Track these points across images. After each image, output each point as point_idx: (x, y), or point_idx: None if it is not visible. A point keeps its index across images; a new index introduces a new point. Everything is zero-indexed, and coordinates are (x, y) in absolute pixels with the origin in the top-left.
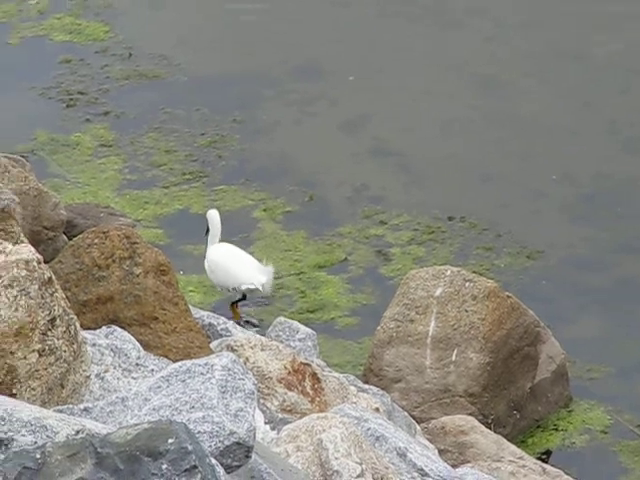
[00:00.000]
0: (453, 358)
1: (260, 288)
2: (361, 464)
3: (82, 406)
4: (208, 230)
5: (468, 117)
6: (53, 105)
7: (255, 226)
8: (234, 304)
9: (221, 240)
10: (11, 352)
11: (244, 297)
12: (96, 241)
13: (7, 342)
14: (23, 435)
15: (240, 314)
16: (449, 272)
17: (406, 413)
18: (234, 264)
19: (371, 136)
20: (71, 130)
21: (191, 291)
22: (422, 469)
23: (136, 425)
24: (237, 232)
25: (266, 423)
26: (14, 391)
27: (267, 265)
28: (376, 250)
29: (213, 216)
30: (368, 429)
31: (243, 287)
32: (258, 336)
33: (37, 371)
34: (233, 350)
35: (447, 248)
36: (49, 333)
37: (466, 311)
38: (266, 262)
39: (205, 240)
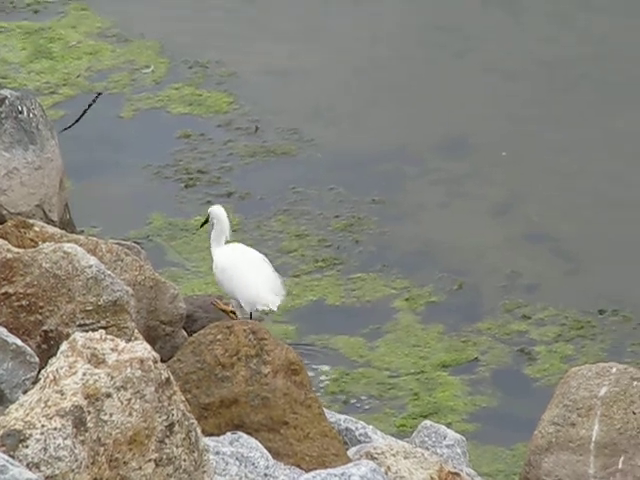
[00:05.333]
0: (620, 466)
1: (275, 310)
2: None
3: None
4: (204, 224)
5: (632, 199)
6: (170, 185)
7: (391, 317)
8: (232, 313)
9: (230, 241)
10: (124, 462)
11: (250, 316)
12: (219, 337)
13: (120, 451)
14: None
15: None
16: (615, 369)
17: None
18: (246, 278)
19: (525, 218)
20: (191, 213)
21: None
22: None
23: None
24: (369, 324)
25: None
26: None
27: (279, 278)
28: (517, 349)
29: (218, 213)
30: None
31: (257, 307)
32: (401, 443)
33: None
34: (373, 458)
35: (598, 345)
36: (167, 440)
37: (634, 413)
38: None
39: (208, 237)
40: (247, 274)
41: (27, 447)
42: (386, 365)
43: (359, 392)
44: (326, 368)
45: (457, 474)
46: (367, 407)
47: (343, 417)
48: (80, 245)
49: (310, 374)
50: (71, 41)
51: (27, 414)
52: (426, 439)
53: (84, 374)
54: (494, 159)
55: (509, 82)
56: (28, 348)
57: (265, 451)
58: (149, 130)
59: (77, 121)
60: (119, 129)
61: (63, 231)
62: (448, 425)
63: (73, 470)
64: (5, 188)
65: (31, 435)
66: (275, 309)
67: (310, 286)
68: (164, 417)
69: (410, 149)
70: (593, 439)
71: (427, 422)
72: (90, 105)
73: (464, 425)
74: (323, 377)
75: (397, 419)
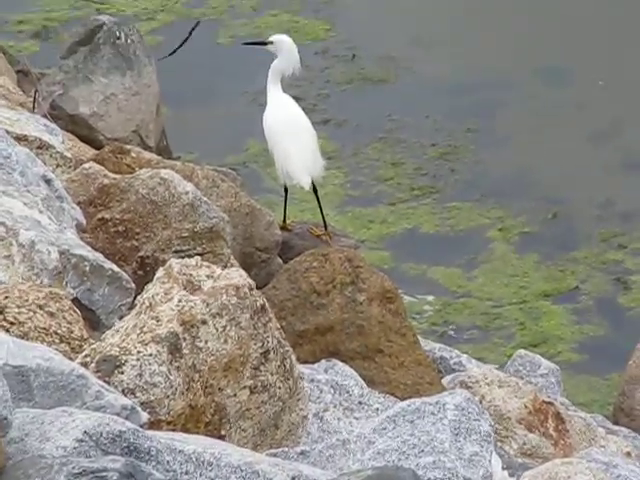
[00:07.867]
0: None
1: (306, 188)
2: None
3: (299, 449)
4: (251, 44)
5: None
6: None
7: (486, 247)
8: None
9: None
10: (219, 389)
11: (285, 191)
12: (315, 265)
13: (215, 377)
14: None
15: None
16: None
17: None
18: (286, 150)
19: (623, 147)
20: None
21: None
22: None
23: (359, 471)
24: (464, 253)
25: (504, 469)
26: (223, 432)
27: (322, 159)
28: (614, 278)
29: (287, 42)
30: (618, 476)
31: (290, 182)
32: (495, 372)
33: (248, 410)
34: (467, 387)
35: None
36: (262, 367)
37: None
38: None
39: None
40: (288, 147)
41: (122, 373)
42: (487, 295)
43: (463, 322)
44: (430, 298)
45: (551, 403)
46: (474, 337)
47: (438, 346)
48: (176, 171)
49: (413, 304)
50: None
51: (123, 340)
52: (520, 368)
53: (180, 300)
54: (592, 87)
55: (609, 7)
56: (124, 274)
57: (359, 379)
58: (246, 57)
59: (178, 48)
60: (217, 55)
61: (159, 157)
62: (557, 354)
63: (168, 396)
64: (102, 114)
65: (127, 361)
66: (307, 188)
67: (406, 214)
68: (259, 344)
69: (507, 76)
70: None
71: (522, 351)
72: (190, 33)
73: (569, 354)
74: (427, 307)
75: (506, 349)
